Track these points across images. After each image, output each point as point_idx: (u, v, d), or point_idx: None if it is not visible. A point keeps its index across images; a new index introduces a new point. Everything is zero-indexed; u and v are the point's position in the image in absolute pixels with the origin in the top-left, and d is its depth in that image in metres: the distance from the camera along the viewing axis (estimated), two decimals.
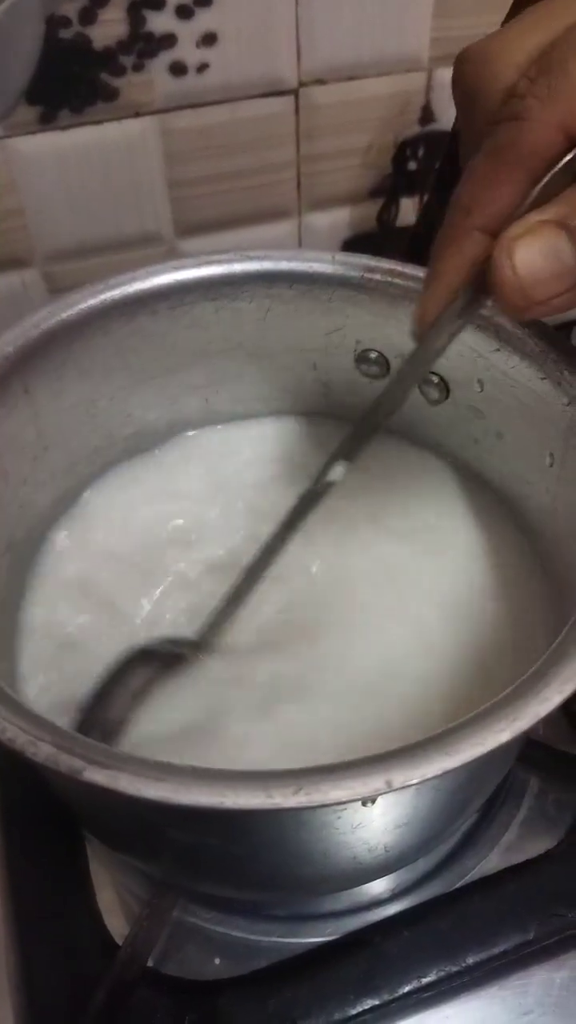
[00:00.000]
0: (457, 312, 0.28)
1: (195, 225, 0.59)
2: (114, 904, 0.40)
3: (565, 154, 0.25)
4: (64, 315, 0.37)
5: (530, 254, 0.25)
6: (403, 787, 0.23)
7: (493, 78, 0.27)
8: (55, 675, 0.37)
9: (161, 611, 0.40)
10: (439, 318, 0.29)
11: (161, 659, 0.37)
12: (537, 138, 0.25)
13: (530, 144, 0.25)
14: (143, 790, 0.23)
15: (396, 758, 0.23)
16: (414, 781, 0.23)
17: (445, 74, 0.57)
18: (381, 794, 0.23)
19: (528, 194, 0.26)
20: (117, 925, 0.39)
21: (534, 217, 0.25)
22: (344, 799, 0.23)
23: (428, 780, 0.23)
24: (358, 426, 0.33)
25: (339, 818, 0.28)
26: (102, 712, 0.35)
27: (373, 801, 0.26)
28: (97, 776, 0.23)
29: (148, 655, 0.37)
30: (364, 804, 0.27)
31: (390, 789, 0.23)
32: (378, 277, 0.39)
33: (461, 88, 0.29)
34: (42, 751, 0.24)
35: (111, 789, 0.23)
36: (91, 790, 0.24)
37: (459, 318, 0.29)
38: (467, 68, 0.28)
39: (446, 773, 0.23)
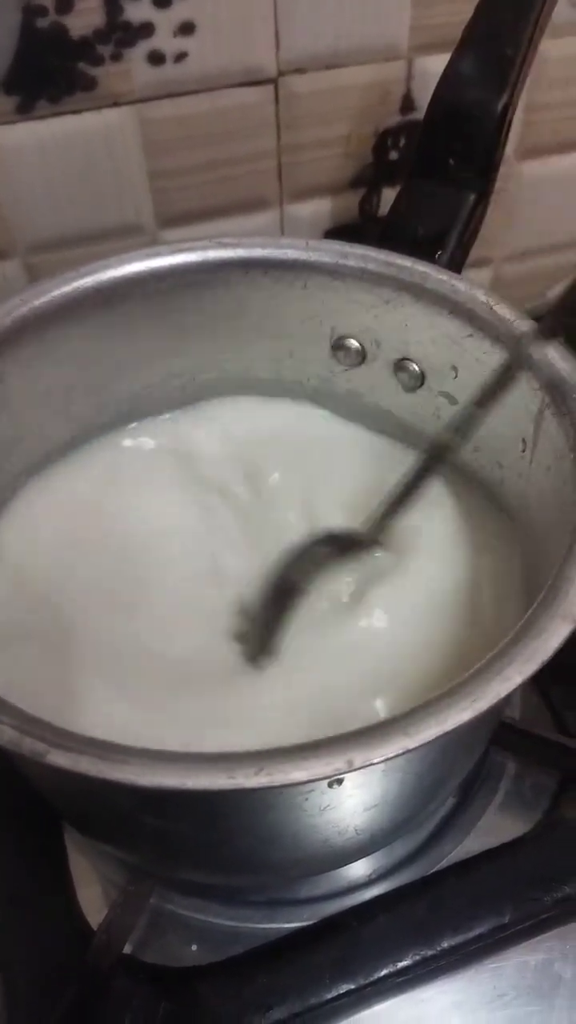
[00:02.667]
0: None
1: (177, 216, 0.59)
2: (96, 895, 0.40)
3: None
4: (36, 303, 0.37)
5: None
6: (364, 767, 0.23)
7: None
8: None
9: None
10: None
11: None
12: None
13: None
14: (106, 772, 0.23)
15: (357, 738, 0.23)
16: (375, 761, 0.23)
17: (425, 63, 0.57)
18: (343, 774, 0.23)
19: None
20: (100, 916, 0.38)
21: None
22: (305, 779, 0.23)
23: (389, 760, 0.23)
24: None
25: (306, 800, 0.28)
26: None
27: (340, 782, 0.27)
28: (60, 759, 0.23)
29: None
30: (330, 785, 0.27)
31: (351, 769, 0.23)
32: (352, 263, 0.39)
33: None
34: (4, 734, 0.24)
35: (74, 772, 0.23)
36: (56, 773, 0.24)
37: None
38: None
39: (407, 752, 0.23)
